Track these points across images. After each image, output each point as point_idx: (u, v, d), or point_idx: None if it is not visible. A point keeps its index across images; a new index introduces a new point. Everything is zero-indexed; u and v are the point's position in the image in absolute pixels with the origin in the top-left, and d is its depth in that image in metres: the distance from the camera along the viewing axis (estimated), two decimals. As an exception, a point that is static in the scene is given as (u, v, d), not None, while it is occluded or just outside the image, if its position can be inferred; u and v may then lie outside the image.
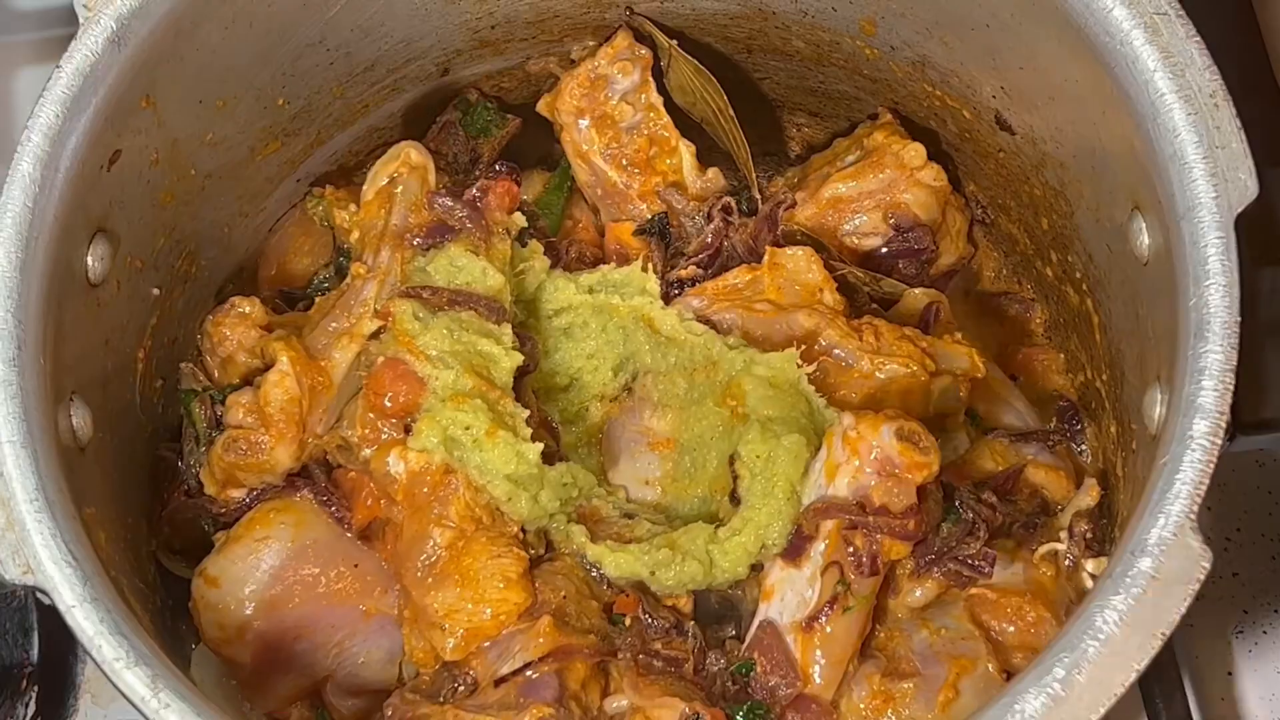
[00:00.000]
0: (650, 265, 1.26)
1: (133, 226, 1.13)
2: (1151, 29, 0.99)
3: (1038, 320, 1.36)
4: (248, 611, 1.15)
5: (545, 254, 1.25)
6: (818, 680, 1.11)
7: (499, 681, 1.10)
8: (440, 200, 1.20)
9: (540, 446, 1.15)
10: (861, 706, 1.12)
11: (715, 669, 1.13)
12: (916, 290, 1.27)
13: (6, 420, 0.98)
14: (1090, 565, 1.15)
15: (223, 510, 1.20)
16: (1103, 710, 0.87)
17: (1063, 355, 1.33)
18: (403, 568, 1.14)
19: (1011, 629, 1.14)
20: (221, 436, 1.18)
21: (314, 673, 1.17)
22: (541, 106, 1.33)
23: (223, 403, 1.20)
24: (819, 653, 1.11)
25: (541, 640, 1.10)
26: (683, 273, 1.27)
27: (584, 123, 1.31)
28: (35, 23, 1.58)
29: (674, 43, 1.30)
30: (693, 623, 1.15)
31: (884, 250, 1.29)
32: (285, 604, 1.16)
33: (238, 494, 1.19)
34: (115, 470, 1.13)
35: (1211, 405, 0.92)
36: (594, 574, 1.16)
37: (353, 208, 1.24)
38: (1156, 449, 0.96)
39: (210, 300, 1.29)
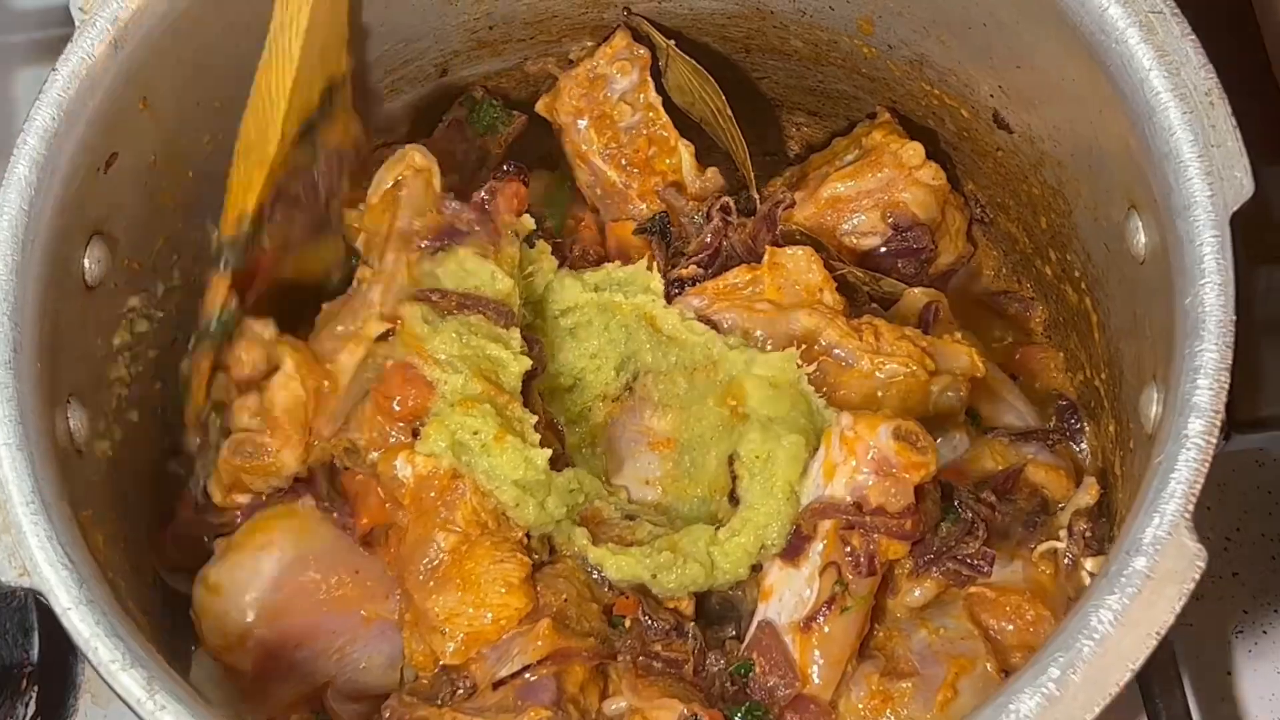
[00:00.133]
0: (654, 264, 1.26)
1: (130, 229, 1.13)
2: (1147, 27, 0.99)
3: (1037, 319, 1.36)
4: (249, 619, 1.15)
5: (551, 254, 1.25)
6: (816, 680, 1.11)
7: (497, 684, 1.10)
8: (449, 204, 1.20)
9: (549, 452, 1.14)
10: (860, 706, 1.11)
11: (714, 669, 1.13)
12: (916, 290, 1.27)
13: (3, 423, 0.98)
14: (1089, 564, 1.15)
15: (226, 523, 1.20)
16: (1098, 710, 0.87)
17: (1062, 354, 1.33)
18: (405, 571, 1.14)
19: (1010, 627, 1.14)
20: (228, 440, 1.18)
21: (315, 678, 1.17)
22: (540, 107, 1.33)
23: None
24: (817, 653, 1.11)
25: (540, 643, 1.10)
26: (683, 272, 1.27)
27: (582, 123, 1.31)
28: (34, 23, 1.58)
29: (671, 43, 1.30)
30: (693, 624, 1.15)
31: (883, 249, 1.29)
32: (287, 611, 1.16)
33: (243, 499, 1.19)
34: (113, 472, 1.13)
35: (1207, 404, 0.92)
36: (595, 576, 1.16)
37: (361, 207, 1.24)
38: (1152, 448, 0.95)
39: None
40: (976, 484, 1.20)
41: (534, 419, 1.16)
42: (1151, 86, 0.98)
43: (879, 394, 1.18)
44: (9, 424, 0.98)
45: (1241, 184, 0.96)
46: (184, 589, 1.20)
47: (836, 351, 1.19)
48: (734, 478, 1.17)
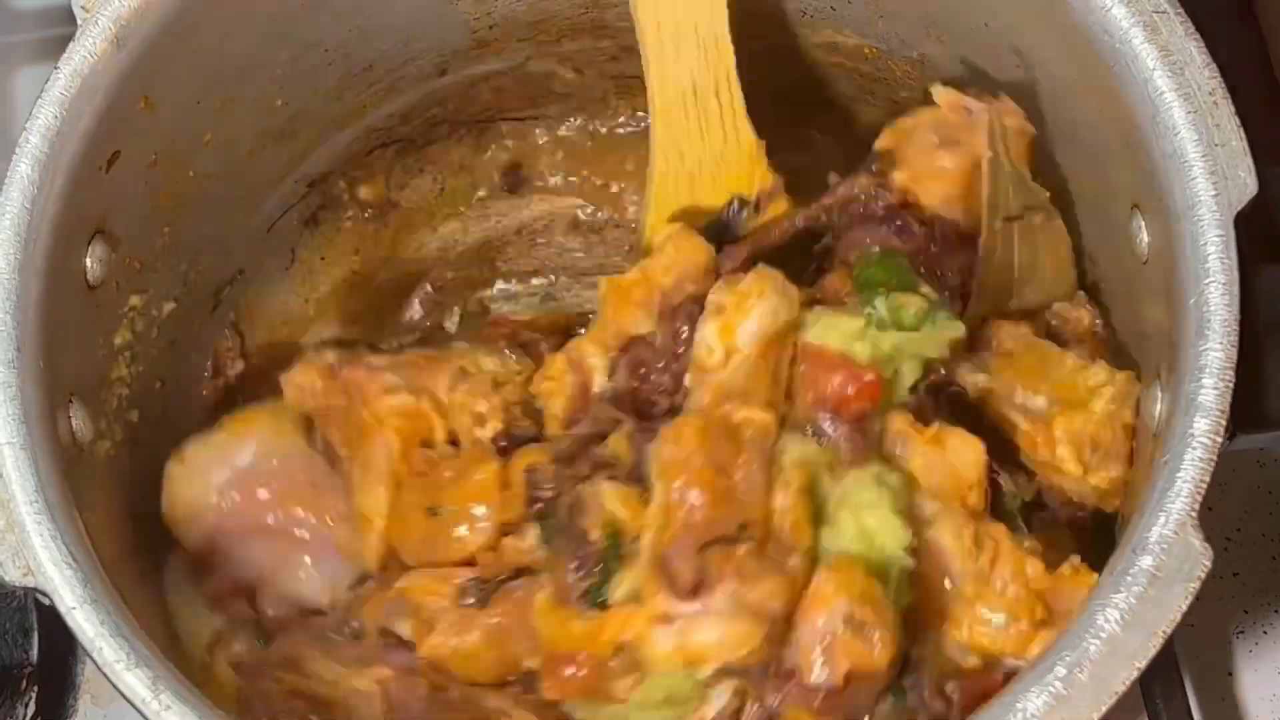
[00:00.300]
0: None
1: (131, 228, 1.13)
2: (1150, 27, 0.99)
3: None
4: (211, 499, 1.18)
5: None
6: None
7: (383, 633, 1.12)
8: None
9: None
10: None
11: None
12: None
13: (6, 422, 0.98)
14: None
15: None
16: (1104, 709, 0.87)
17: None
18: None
19: None
20: None
21: (253, 572, 1.18)
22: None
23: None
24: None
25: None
26: None
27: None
28: (35, 22, 1.58)
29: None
30: None
31: None
32: (245, 500, 1.18)
33: None
34: (116, 471, 1.13)
35: (1212, 403, 0.92)
36: None
37: None
38: (1157, 447, 0.96)
39: (210, 301, 1.29)
40: (944, 674, 1.06)
41: None
42: (1155, 86, 0.99)
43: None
44: (12, 423, 0.98)
45: (1245, 184, 0.96)
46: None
47: (949, 568, 1.06)
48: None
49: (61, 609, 0.95)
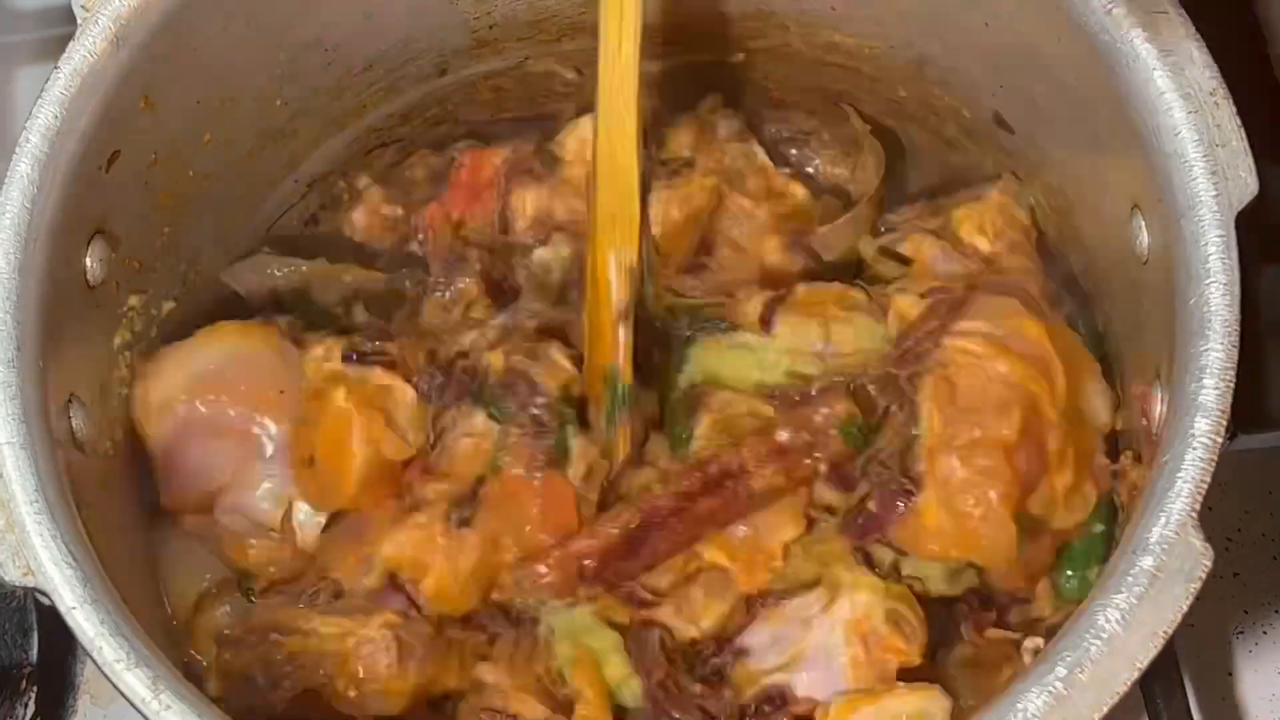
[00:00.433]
0: None
1: (131, 228, 1.13)
2: (1151, 27, 0.99)
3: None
4: (177, 398, 1.18)
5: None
6: None
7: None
8: None
9: None
10: None
11: None
12: None
13: (6, 422, 0.98)
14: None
15: None
16: (1105, 709, 0.87)
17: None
18: None
19: None
20: None
21: (213, 478, 1.18)
22: None
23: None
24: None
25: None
26: None
27: None
28: (35, 22, 1.58)
29: None
30: None
31: None
32: (210, 400, 1.18)
33: None
34: (116, 471, 1.13)
35: (1213, 403, 0.92)
36: None
37: None
38: (1158, 448, 0.95)
39: (209, 302, 1.29)
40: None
41: None
42: (1156, 86, 0.99)
43: None
44: (12, 423, 0.98)
45: (1246, 183, 0.96)
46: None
47: None
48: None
49: (61, 609, 0.94)
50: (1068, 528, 1.12)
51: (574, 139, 1.32)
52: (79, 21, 1.05)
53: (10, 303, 1.00)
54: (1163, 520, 0.90)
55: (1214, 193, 0.96)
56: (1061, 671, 0.87)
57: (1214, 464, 0.91)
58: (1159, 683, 1.22)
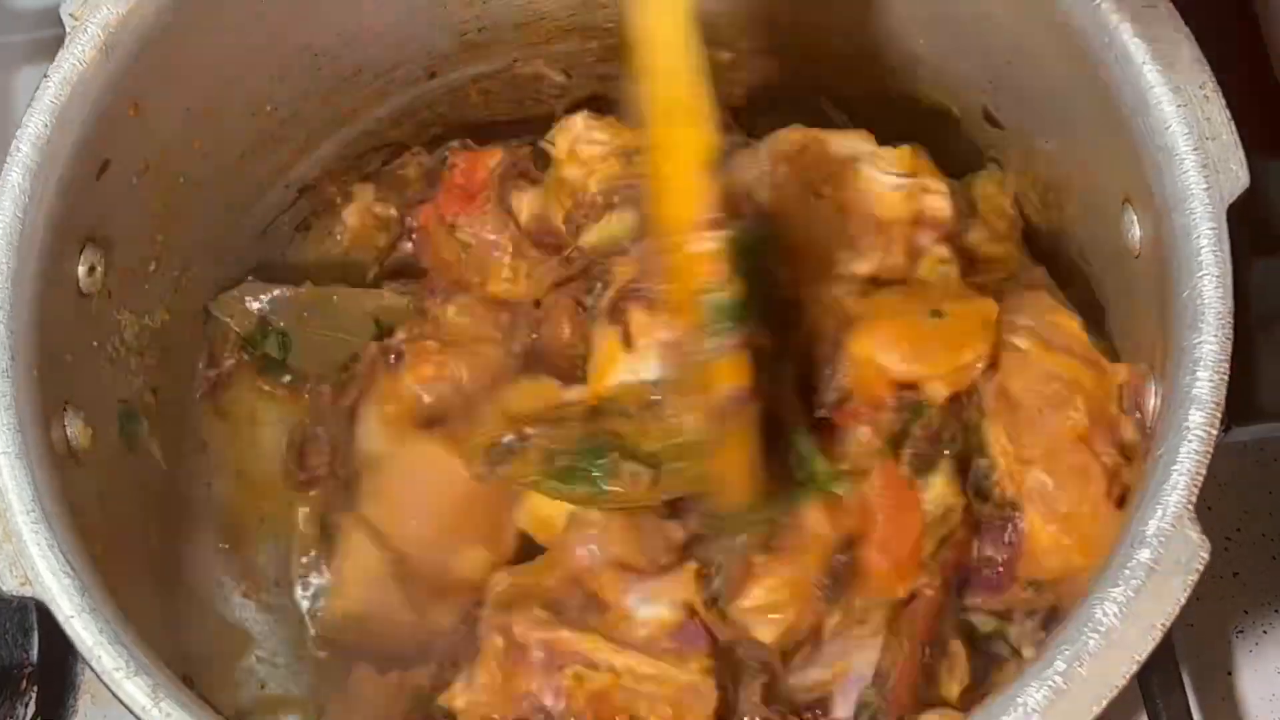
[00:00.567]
0: None
1: (123, 235, 1.13)
2: (1140, 21, 0.99)
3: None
4: None
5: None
6: None
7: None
8: None
9: None
10: None
11: None
12: None
13: (2, 431, 0.98)
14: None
15: None
16: (1105, 702, 0.87)
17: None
18: None
19: None
20: None
21: None
22: None
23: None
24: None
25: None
26: None
27: None
28: (34, 23, 1.57)
29: None
30: None
31: None
32: None
33: None
34: (112, 479, 1.13)
35: (1207, 396, 0.92)
36: None
37: None
38: (1152, 441, 0.96)
39: (203, 308, 1.29)
40: None
41: None
42: (1146, 80, 0.99)
43: None
44: (8, 432, 0.97)
45: (1237, 176, 0.96)
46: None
47: None
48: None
49: (59, 617, 0.94)
50: None
51: (565, 137, 1.32)
52: (68, 30, 1.05)
53: (3, 312, 1.00)
54: (1159, 513, 0.90)
55: (1205, 186, 0.96)
56: (1060, 665, 0.87)
57: (1209, 456, 0.91)
58: (1158, 682, 1.21)
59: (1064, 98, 1.11)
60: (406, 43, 1.29)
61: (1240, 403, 0.95)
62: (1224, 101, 0.97)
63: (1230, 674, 1.36)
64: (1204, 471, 0.91)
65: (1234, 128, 0.97)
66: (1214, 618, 1.37)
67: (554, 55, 1.35)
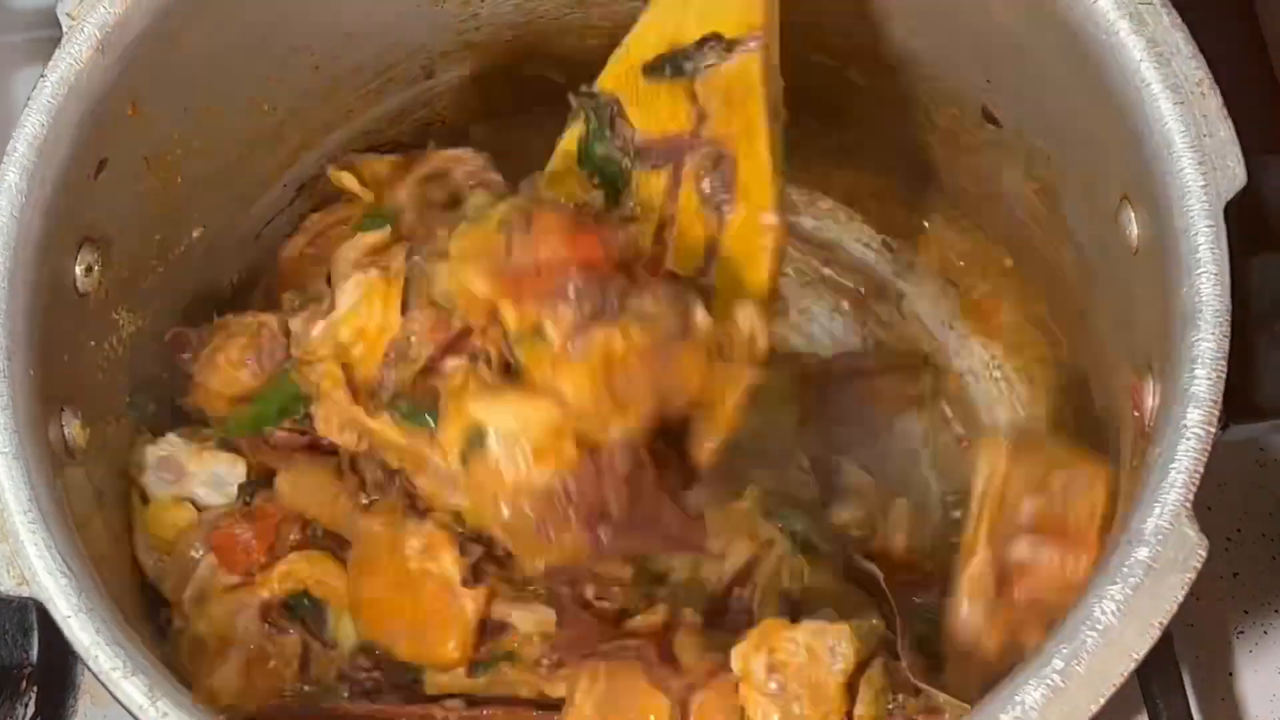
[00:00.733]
0: None
1: (120, 235, 1.13)
2: (1137, 19, 0.99)
3: (1028, 312, 1.37)
4: None
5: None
6: None
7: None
8: None
9: None
10: None
11: None
12: None
13: (-1, 431, 0.98)
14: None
15: None
16: (1103, 700, 0.87)
17: (1054, 348, 1.33)
18: None
19: None
20: None
21: None
22: None
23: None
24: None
25: None
26: None
27: None
28: (30, 23, 1.57)
29: None
30: None
31: None
32: None
33: None
34: (109, 479, 1.13)
35: (1205, 394, 0.92)
36: None
37: None
38: (1150, 439, 0.96)
39: (200, 307, 1.29)
40: None
41: None
42: (1143, 78, 0.99)
43: None
44: (5, 432, 0.97)
45: (1235, 173, 0.96)
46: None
47: None
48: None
49: (57, 617, 0.94)
50: None
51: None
52: (65, 29, 1.05)
53: (1, 312, 1.00)
54: (1157, 510, 0.90)
55: (1203, 183, 0.96)
56: (1058, 664, 0.87)
57: (1207, 454, 0.91)
58: (1158, 682, 1.21)
59: (1062, 96, 1.11)
60: (404, 42, 1.29)
61: (1238, 401, 0.95)
62: (1221, 98, 0.97)
63: (1230, 674, 1.36)
64: (1202, 470, 0.91)
65: (1231, 125, 0.97)
66: (1214, 618, 1.37)
67: (552, 55, 1.35)
